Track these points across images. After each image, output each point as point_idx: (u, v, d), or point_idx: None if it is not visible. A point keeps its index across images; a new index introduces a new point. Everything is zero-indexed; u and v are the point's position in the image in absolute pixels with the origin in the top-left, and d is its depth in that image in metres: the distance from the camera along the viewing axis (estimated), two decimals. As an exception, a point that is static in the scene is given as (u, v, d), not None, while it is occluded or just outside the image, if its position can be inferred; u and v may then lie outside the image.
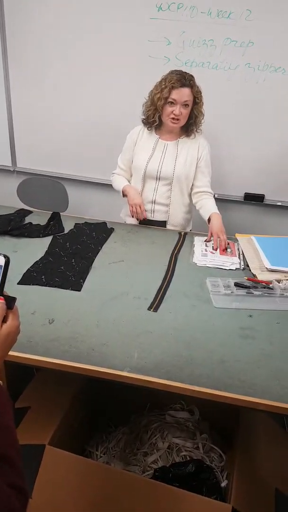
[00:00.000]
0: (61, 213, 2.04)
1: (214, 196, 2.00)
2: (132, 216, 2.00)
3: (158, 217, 2.03)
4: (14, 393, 1.40)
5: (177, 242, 1.88)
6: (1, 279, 0.69)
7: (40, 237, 1.81)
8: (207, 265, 1.68)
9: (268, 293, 1.49)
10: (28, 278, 1.47)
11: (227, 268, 1.67)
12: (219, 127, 2.37)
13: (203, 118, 1.88)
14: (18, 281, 1.46)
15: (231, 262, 1.71)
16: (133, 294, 1.43)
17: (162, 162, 1.92)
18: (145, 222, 2.03)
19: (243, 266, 1.69)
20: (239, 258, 1.75)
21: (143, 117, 1.92)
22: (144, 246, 1.82)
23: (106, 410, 1.71)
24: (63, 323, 1.25)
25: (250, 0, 2.05)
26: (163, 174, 1.92)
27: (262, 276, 1.58)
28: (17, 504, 0.53)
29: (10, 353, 0.71)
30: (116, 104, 2.43)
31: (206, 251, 1.79)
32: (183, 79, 1.74)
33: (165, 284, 1.52)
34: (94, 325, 1.25)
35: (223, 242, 1.79)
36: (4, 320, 0.68)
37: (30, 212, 2.08)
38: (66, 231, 1.90)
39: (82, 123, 2.56)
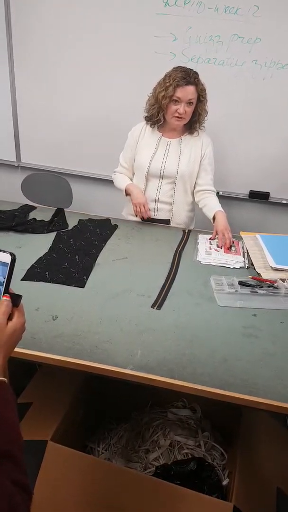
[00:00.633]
0: (65, 209, 2.03)
1: (217, 193, 1.99)
2: (136, 216, 1.99)
3: (161, 215, 2.02)
4: (17, 388, 1.40)
5: (181, 239, 1.87)
6: (7, 277, 0.69)
7: (44, 233, 1.81)
8: (211, 263, 1.67)
9: (272, 292, 1.48)
10: (32, 274, 1.47)
11: (232, 266, 1.66)
12: (225, 124, 2.35)
13: (206, 116, 1.86)
14: (22, 277, 1.46)
15: (236, 260, 1.70)
16: (136, 292, 1.43)
17: (166, 161, 1.90)
18: (148, 221, 2.03)
19: (247, 265, 1.69)
20: (244, 256, 1.74)
21: (146, 114, 1.90)
22: (148, 243, 1.81)
23: (108, 406, 1.71)
24: (66, 320, 1.25)
25: (258, -4, 2.04)
26: (167, 172, 1.91)
27: (266, 275, 1.58)
28: (20, 501, 0.53)
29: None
30: (121, 100, 2.42)
31: (210, 249, 1.78)
32: (187, 76, 1.71)
33: (169, 282, 1.51)
34: (98, 322, 1.25)
35: (228, 240, 1.78)
36: (10, 317, 0.68)
37: (34, 208, 2.08)
38: (70, 227, 1.90)
39: (87, 118, 2.55)
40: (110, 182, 2.10)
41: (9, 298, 0.69)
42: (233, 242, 1.82)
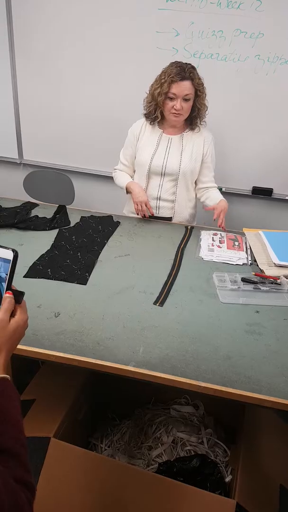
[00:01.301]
0: (67, 206, 2.03)
1: (220, 190, 1.98)
2: (138, 214, 1.98)
3: (163, 213, 2.00)
4: (20, 385, 1.41)
5: (183, 236, 1.87)
6: (9, 274, 0.68)
7: (46, 230, 1.81)
8: (213, 260, 1.67)
9: (275, 289, 1.47)
10: (34, 271, 1.47)
11: (234, 263, 1.66)
12: (227, 120, 2.34)
13: (206, 110, 1.83)
14: (24, 274, 1.46)
15: (238, 257, 1.69)
16: (138, 288, 1.43)
17: (167, 158, 1.88)
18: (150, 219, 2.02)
19: (250, 261, 1.68)
20: (247, 253, 1.74)
21: (145, 111, 1.88)
22: (150, 240, 1.81)
23: (111, 403, 1.71)
24: (68, 317, 1.25)
25: (261, -10, 2.02)
26: (169, 170, 1.89)
27: (269, 272, 1.57)
28: (24, 498, 0.53)
29: (16, 346, 0.71)
30: (123, 96, 2.41)
31: (213, 245, 1.77)
32: (182, 71, 1.68)
33: (171, 278, 1.51)
34: (100, 319, 1.25)
35: (220, 221, 1.80)
36: (12, 314, 0.68)
37: (36, 205, 2.07)
38: (72, 224, 1.89)
39: (89, 115, 2.54)
40: (112, 179, 2.10)
41: (11, 295, 0.69)
42: (236, 238, 1.81)
